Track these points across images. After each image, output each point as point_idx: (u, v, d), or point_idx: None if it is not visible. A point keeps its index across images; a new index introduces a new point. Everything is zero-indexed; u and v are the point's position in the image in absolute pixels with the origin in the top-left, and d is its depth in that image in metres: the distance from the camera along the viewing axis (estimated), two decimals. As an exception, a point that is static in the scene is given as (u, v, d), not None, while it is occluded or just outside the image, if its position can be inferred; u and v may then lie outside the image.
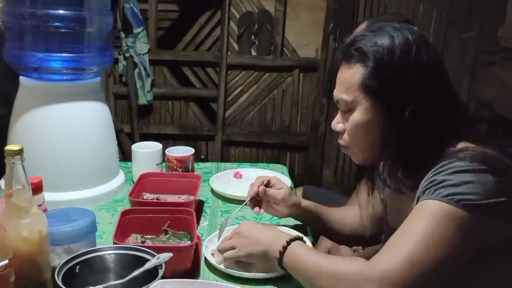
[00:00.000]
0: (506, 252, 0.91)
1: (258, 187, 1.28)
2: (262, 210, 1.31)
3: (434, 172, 0.90)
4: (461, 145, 0.93)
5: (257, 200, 1.30)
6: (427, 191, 0.89)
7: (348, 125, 1.01)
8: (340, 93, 1.01)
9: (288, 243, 1.02)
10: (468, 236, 0.86)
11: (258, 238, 1.09)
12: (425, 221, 0.86)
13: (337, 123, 1.05)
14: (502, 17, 2.76)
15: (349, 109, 1.00)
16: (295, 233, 1.18)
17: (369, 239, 1.32)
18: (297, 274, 1.00)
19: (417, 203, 0.91)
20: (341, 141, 1.05)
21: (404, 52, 0.93)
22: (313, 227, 1.36)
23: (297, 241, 1.04)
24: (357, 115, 0.98)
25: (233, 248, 1.11)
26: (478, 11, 2.87)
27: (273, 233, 1.10)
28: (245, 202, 1.30)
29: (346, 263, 0.92)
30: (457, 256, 0.86)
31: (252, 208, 1.31)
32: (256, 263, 1.12)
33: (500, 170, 0.86)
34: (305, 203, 1.31)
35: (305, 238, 1.17)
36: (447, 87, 0.97)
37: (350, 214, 1.33)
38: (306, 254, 0.99)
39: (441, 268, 0.85)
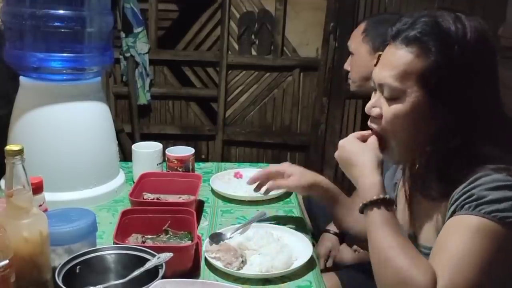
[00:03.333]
0: None
1: (269, 185, 1.31)
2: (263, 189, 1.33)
3: (471, 185, 0.85)
4: (494, 152, 0.88)
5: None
6: (466, 206, 0.84)
7: (389, 113, 0.92)
8: (388, 78, 0.90)
9: (376, 201, 0.92)
10: (510, 254, 0.84)
11: (356, 165, 0.98)
12: (472, 240, 0.82)
13: (373, 107, 0.95)
14: (502, 16, 2.76)
15: (394, 97, 0.90)
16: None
17: None
18: (369, 233, 0.93)
19: (451, 215, 0.87)
20: (374, 126, 0.97)
21: (476, 52, 0.85)
22: (328, 208, 1.33)
23: (386, 205, 0.93)
24: (405, 106, 0.89)
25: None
26: (478, 11, 2.86)
27: (367, 171, 0.96)
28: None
29: (419, 268, 0.84)
30: (499, 274, 0.84)
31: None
32: None
33: None
34: (324, 184, 1.29)
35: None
36: (498, 92, 0.91)
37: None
38: (386, 223, 0.90)
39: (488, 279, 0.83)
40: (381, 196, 0.92)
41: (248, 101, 3.27)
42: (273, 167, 1.34)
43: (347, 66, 1.63)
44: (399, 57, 0.89)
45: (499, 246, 0.82)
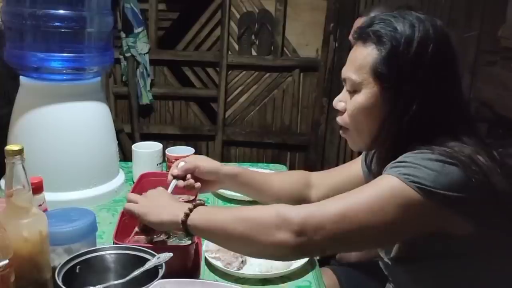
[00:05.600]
0: (468, 249, 0.91)
1: (172, 171, 1.21)
2: (196, 185, 1.20)
3: (404, 156, 0.90)
4: (445, 141, 0.92)
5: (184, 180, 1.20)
6: (388, 167, 0.90)
7: (350, 105, 0.99)
8: (348, 72, 0.99)
9: (195, 206, 0.99)
10: (412, 218, 0.86)
11: (161, 204, 1.04)
12: (374, 188, 0.88)
13: (339, 101, 1.02)
14: (502, 16, 2.76)
15: (354, 90, 0.98)
16: None
17: None
18: (209, 231, 0.97)
19: None
20: (339, 120, 1.03)
21: (422, 46, 0.91)
22: (251, 195, 1.29)
23: (204, 206, 1.00)
24: (362, 97, 0.96)
25: (136, 202, 1.07)
26: (478, 11, 2.86)
27: (179, 203, 1.05)
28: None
29: (267, 207, 0.94)
30: (392, 232, 0.88)
31: (187, 189, 1.22)
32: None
33: (469, 168, 0.86)
34: (227, 168, 1.22)
35: None
36: (457, 87, 0.96)
37: (290, 179, 1.28)
38: (216, 209, 0.98)
39: (368, 235, 0.87)
40: (192, 204, 0.99)
41: (248, 102, 3.27)
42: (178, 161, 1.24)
43: None
44: (357, 52, 0.98)
45: (400, 205, 0.85)
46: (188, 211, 0.97)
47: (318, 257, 1.28)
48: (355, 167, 1.22)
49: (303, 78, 3.20)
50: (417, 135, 0.93)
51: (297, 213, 0.89)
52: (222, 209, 0.99)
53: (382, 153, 1.02)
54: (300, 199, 1.22)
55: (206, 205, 1.01)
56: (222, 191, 1.56)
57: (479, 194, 0.86)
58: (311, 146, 3.25)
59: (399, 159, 0.90)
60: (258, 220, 0.91)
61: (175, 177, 1.18)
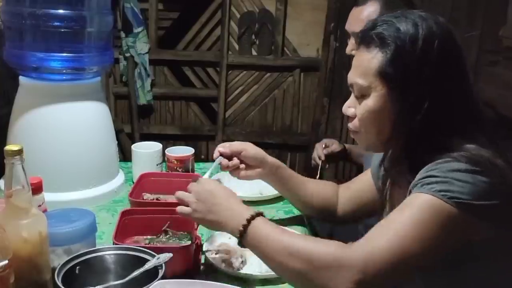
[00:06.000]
0: (483, 252, 0.90)
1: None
2: (240, 171, 1.26)
3: (429, 169, 0.89)
4: (462, 143, 0.92)
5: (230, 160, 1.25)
6: (419, 185, 0.88)
7: (359, 110, 0.98)
8: (355, 77, 0.98)
9: (249, 221, 0.97)
10: (452, 233, 0.85)
11: (216, 208, 1.02)
12: (414, 212, 0.85)
13: (349, 107, 1.02)
14: (504, 16, 2.76)
15: (362, 95, 0.97)
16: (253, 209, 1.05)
17: (341, 218, 1.30)
18: (262, 255, 0.95)
19: (409, 195, 0.90)
20: (350, 125, 1.02)
21: (427, 43, 0.90)
22: (284, 192, 1.33)
23: (260, 218, 0.98)
24: (371, 101, 0.96)
25: (187, 205, 1.06)
26: (480, 11, 2.86)
27: (233, 205, 1.03)
28: (213, 167, 1.22)
29: (322, 245, 0.89)
30: (438, 251, 0.86)
31: (229, 170, 1.26)
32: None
33: (493, 173, 0.86)
34: (272, 158, 1.27)
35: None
36: (465, 84, 0.96)
37: (324, 188, 1.32)
38: (272, 233, 0.94)
39: (422, 260, 0.85)
40: (255, 211, 0.98)
41: (248, 101, 3.27)
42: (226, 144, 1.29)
43: (350, 51, 1.59)
44: (361, 57, 0.97)
45: (443, 224, 0.84)
46: (246, 223, 0.96)
47: None
48: (366, 177, 1.24)
49: (304, 78, 3.20)
50: (429, 134, 0.92)
51: (356, 259, 0.85)
52: (279, 231, 0.94)
53: (395, 153, 1.02)
54: (328, 207, 1.29)
55: (264, 216, 1.00)
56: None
57: (502, 197, 0.86)
58: (312, 146, 3.24)
59: (425, 173, 0.89)
60: (316, 261, 0.87)
61: (221, 154, 1.23)
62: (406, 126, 0.93)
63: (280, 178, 1.29)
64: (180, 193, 1.09)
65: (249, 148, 1.25)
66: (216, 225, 1.03)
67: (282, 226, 0.98)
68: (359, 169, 1.80)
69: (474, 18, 2.89)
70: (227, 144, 1.26)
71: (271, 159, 1.27)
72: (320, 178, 1.72)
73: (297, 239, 0.93)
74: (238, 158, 1.25)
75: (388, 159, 1.08)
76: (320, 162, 1.78)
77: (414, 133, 0.93)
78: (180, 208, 1.07)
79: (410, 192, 0.90)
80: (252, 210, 1.00)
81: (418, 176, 0.90)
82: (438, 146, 0.92)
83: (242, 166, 1.25)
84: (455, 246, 0.88)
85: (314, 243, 0.90)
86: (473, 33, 2.87)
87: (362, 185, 1.26)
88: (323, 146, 1.81)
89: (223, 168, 1.25)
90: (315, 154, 1.84)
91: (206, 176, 1.20)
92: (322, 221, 1.64)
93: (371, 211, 1.20)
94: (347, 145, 1.91)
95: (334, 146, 1.84)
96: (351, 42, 1.59)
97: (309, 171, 3.32)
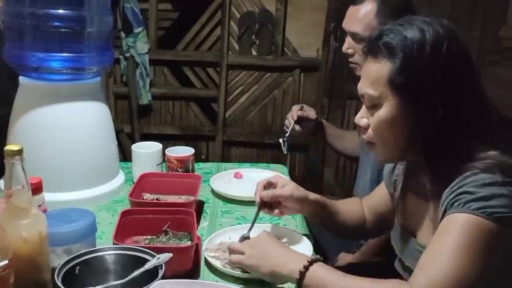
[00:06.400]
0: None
1: (260, 193, 1.23)
2: (276, 211, 1.25)
3: (460, 184, 0.88)
4: (482, 149, 0.91)
5: (269, 204, 1.24)
6: (455, 204, 0.87)
7: (373, 120, 0.97)
8: (365, 87, 0.97)
9: (310, 263, 0.98)
10: (499, 249, 0.85)
11: (270, 254, 1.05)
12: (459, 236, 0.84)
13: (361, 118, 1.01)
14: (504, 16, 2.75)
15: (374, 105, 0.96)
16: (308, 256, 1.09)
17: (369, 231, 1.31)
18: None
19: (443, 215, 0.89)
20: (365, 137, 1.01)
21: (435, 48, 0.90)
22: (319, 220, 1.31)
23: (319, 263, 0.99)
24: (383, 112, 0.95)
25: (241, 253, 1.08)
26: (480, 11, 2.86)
27: (289, 253, 1.06)
28: (256, 214, 1.24)
29: (383, 284, 0.90)
30: (490, 269, 0.85)
31: (268, 213, 1.26)
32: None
33: None
34: (313, 195, 1.26)
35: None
36: (476, 85, 0.95)
37: (352, 206, 1.31)
38: (333, 276, 0.95)
39: (478, 283, 0.84)
40: (311, 257, 1.00)
41: (248, 102, 3.26)
42: (264, 180, 1.28)
43: (346, 49, 1.58)
44: (370, 67, 0.97)
45: (488, 242, 0.84)
46: (303, 269, 0.97)
47: None
48: (383, 190, 1.24)
49: (304, 78, 3.20)
50: (446, 139, 0.91)
51: None
52: (338, 277, 0.95)
53: (413, 162, 1.01)
54: (359, 225, 1.29)
55: (321, 261, 1.00)
56: (221, 191, 1.55)
57: None
58: (311, 146, 3.24)
59: (457, 189, 0.88)
60: None
61: (262, 199, 1.23)
62: (422, 133, 0.92)
63: (316, 212, 1.26)
64: (233, 243, 1.12)
65: (293, 194, 1.22)
66: (268, 272, 1.04)
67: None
68: (352, 164, 1.78)
69: (474, 18, 2.88)
70: (270, 192, 1.23)
71: (312, 199, 1.24)
72: (289, 146, 1.73)
73: (360, 282, 0.92)
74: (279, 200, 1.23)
75: (405, 168, 1.07)
76: (292, 122, 1.72)
77: (430, 139, 0.92)
78: (232, 256, 1.10)
79: (445, 211, 0.89)
80: (307, 256, 1.02)
81: (450, 193, 0.89)
82: (458, 152, 0.91)
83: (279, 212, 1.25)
84: (503, 260, 0.87)
85: (377, 284, 0.91)
86: (474, 33, 2.87)
87: (379, 194, 1.25)
88: (299, 108, 1.76)
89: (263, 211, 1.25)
90: (289, 114, 1.78)
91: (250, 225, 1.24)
92: (352, 239, 1.63)
93: (393, 223, 1.18)
94: (325, 121, 1.89)
95: (311, 112, 1.79)
96: (348, 41, 1.58)
97: (310, 172, 3.33)
